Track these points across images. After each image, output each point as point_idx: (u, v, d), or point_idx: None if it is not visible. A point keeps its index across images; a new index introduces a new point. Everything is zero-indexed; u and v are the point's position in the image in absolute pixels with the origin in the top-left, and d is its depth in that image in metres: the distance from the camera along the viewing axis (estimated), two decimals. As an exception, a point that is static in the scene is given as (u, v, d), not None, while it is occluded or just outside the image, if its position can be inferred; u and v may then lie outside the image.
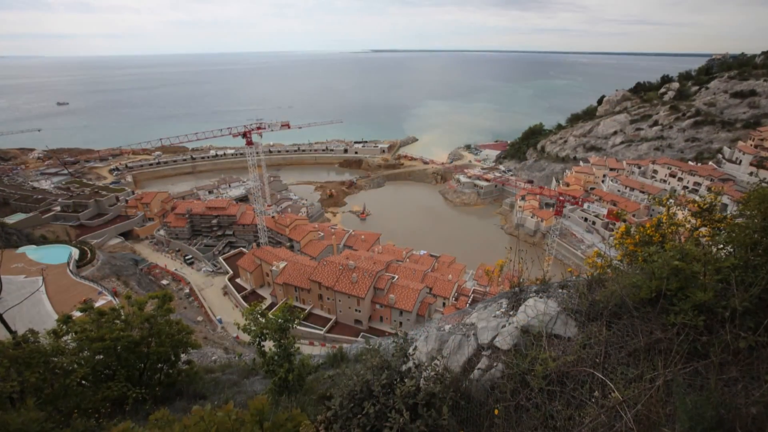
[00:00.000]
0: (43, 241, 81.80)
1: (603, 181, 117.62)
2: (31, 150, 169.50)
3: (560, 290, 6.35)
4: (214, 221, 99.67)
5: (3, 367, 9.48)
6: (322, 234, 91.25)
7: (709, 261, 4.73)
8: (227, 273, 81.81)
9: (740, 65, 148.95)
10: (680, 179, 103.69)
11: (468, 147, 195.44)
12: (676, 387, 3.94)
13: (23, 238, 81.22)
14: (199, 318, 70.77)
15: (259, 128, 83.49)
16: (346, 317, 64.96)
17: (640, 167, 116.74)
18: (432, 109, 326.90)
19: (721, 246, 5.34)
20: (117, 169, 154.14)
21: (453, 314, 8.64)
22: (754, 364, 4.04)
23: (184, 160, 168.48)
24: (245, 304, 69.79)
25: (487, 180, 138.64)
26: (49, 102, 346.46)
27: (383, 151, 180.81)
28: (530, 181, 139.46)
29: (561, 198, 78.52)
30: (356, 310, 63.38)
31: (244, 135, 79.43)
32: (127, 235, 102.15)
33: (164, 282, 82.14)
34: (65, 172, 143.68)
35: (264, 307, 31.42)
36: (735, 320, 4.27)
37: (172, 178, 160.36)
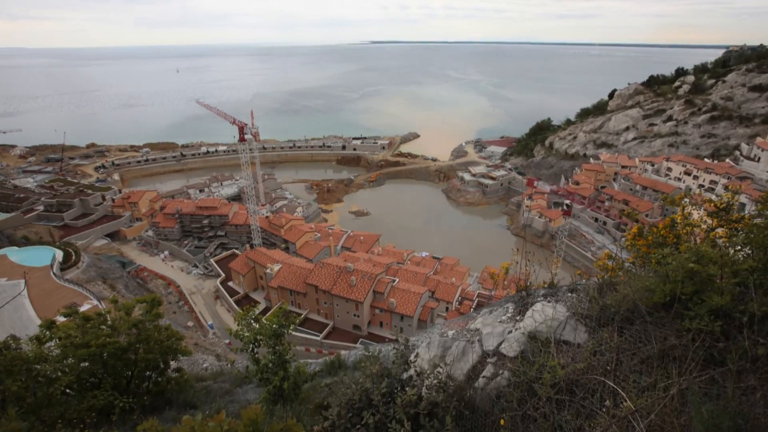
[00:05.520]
0: (25, 242, 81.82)
1: (614, 180, 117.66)
2: (13, 147, 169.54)
3: (569, 294, 6.34)
4: (205, 221, 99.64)
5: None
6: (319, 235, 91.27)
7: (726, 263, 4.73)
8: (219, 276, 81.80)
9: (759, 57, 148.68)
10: (696, 177, 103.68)
11: (473, 143, 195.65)
12: (691, 396, 3.94)
13: (4, 240, 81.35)
14: (190, 323, 70.78)
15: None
16: (344, 322, 64.96)
17: (653, 165, 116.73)
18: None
19: (739, 248, 5.34)
20: (103, 166, 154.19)
21: (456, 319, 8.65)
22: (774, 371, 4.03)
23: (174, 157, 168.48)
24: (238, 309, 69.83)
25: (493, 178, 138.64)
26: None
27: (383, 147, 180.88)
28: (538, 179, 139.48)
29: (571, 197, 78.65)
30: (355, 315, 63.38)
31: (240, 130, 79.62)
32: (113, 236, 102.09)
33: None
34: (49, 169, 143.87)
35: (258, 311, 31.42)
36: (753, 326, 4.27)
37: (161, 176, 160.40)
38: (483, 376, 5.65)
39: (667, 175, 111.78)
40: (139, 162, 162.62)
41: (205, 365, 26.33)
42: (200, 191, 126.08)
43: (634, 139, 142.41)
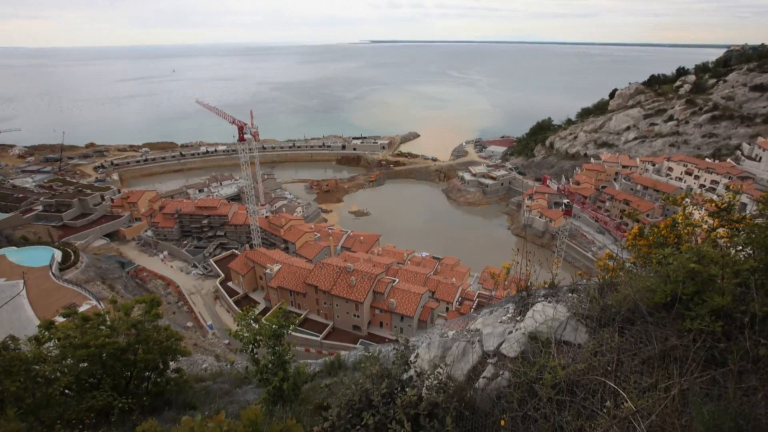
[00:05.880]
0: (23, 242, 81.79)
1: (615, 180, 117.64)
2: (11, 146, 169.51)
3: (570, 294, 6.34)
4: (205, 221, 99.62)
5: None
6: (319, 235, 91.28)
7: (728, 263, 4.73)
8: (218, 276, 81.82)
9: (760, 57, 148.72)
10: (697, 177, 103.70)
11: (473, 142, 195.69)
12: (692, 396, 3.94)
13: (3, 240, 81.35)
14: (189, 324, 70.77)
15: None
16: (344, 323, 64.95)
17: (654, 164, 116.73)
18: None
19: (740, 248, 5.34)
20: (102, 166, 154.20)
21: (457, 320, 8.65)
22: (775, 372, 4.03)
23: (173, 157, 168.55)
24: (237, 309, 69.81)
25: (493, 178, 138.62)
26: None
27: (383, 147, 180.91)
28: (538, 179, 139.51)
29: (571, 197, 78.66)
30: (355, 316, 63.38)
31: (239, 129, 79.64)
32: (112, 236, 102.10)
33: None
34: (47, 169, 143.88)
35: (257, 312, 31.48)
36: (755, 326, 4.27)
37: (161, 176, 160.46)
38: (483, 377, 5.65)
39: (668, 175, 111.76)
40: (138, 162, 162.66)
41: (204, 366, 26.34)
42: (199, 191, 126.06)
43: (635, 138, 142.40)
